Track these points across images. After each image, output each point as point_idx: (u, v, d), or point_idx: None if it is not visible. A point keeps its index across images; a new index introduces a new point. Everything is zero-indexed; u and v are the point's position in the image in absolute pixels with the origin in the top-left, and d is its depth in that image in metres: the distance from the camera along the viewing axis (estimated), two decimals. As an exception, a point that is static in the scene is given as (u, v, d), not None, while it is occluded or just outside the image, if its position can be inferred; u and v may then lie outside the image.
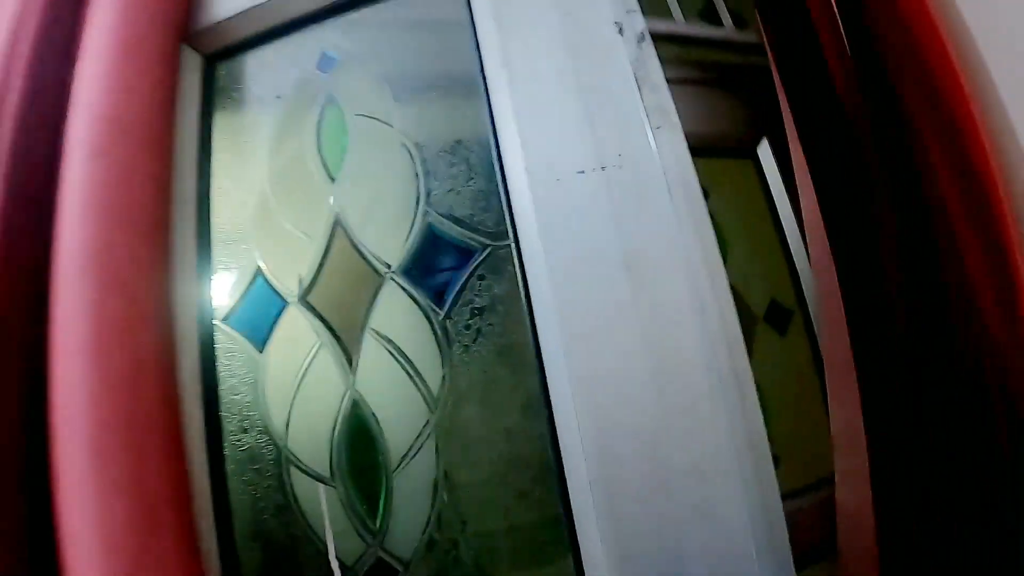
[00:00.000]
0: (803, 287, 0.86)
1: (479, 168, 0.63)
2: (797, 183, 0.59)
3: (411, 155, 0.66)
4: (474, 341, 0.61)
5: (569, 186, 0.56)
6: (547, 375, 0.56)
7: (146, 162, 0.62)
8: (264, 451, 0.65)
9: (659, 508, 0.51)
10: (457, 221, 0.63)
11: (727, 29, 0.91)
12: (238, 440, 0.65)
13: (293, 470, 0.64)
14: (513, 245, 0.60)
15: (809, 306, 0.84)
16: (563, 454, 0.55)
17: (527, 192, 0.57)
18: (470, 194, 0.63)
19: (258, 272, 0.68)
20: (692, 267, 0.55)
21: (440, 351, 0.62)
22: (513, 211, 0.59)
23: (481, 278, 0.62)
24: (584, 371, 0.54)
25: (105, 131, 0.60)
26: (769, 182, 0.88)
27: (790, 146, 0.60)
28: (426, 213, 0.64)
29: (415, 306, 0.63)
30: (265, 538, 0.64)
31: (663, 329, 0.53)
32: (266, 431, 0.65)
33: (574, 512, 0.54)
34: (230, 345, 0.67)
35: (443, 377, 0.61)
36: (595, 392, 0.53)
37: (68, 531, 0.52)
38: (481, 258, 0.62)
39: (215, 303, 0.68)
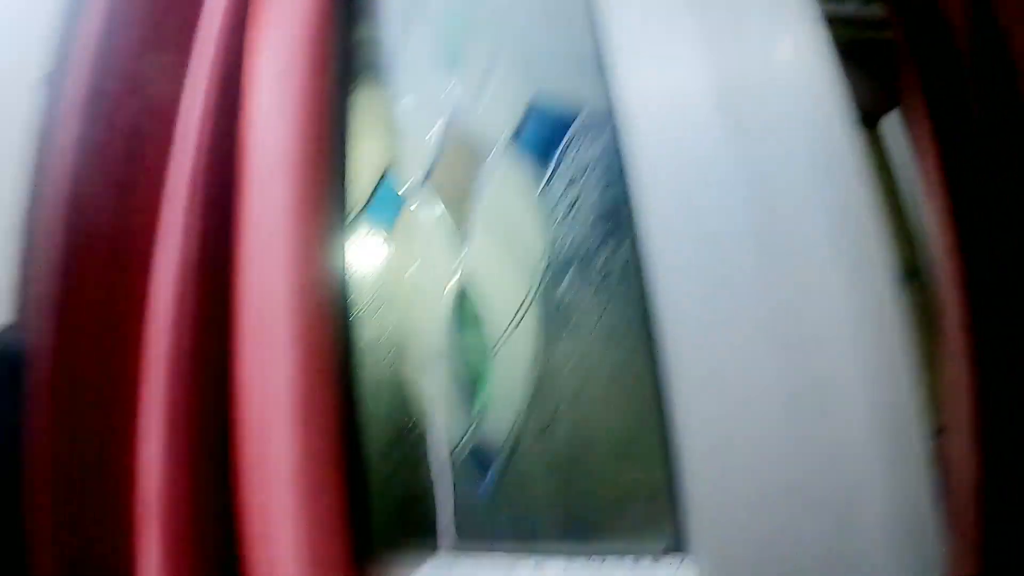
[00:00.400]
0: (921, 251, 0.85)
1: (580, 32, 0.62)
2: (917, 153, 0.62)
3: (519, 33, 0.67)
4: (573, 206, 0.59)
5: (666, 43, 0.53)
6: (644, 235, 0.52)
7: (324, 77, 0.70)
8: (384, 338, 0.68)
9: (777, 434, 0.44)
10: (558, 87, 0.63)
11: (854, 6, 0.92)
12: (361, 328, 0.69)
13: (407, 354, 0.67)
14: (609, 103, 0.57)
15: (926, 270, 0.84)
16: (661, 324, 0.50)
17: (624, 42, 0.55)
18: (571, 61, 0.62)
19: (384, 166, 0.72)
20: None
21: (541, 221, 0.61)
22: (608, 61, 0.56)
23: (580, 140, 0.60)
24: (685, 233, 0.49)
25: (289, 51, 0.69)
26: (891, 152, 0.87)
27: (913, 117, 0.62)
28: (531, 85, 0.64)
29: (519, 177, 0.63)
30: (381, 424, 0.67)
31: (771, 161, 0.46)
32: (386, 319, 0.68)
33: (673, 399, 0.49)
34: (361, 240, 0.72)
35: (543, 247, 0.60)
36: (698, 254, 0.48)
37: (249, 389, 0.62)
38: (581, 121, 0.61)
39: (348, 201, 0.72)
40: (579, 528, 0.56)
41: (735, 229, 0.48)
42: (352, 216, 0.73)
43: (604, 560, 0.53)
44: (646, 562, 0.51)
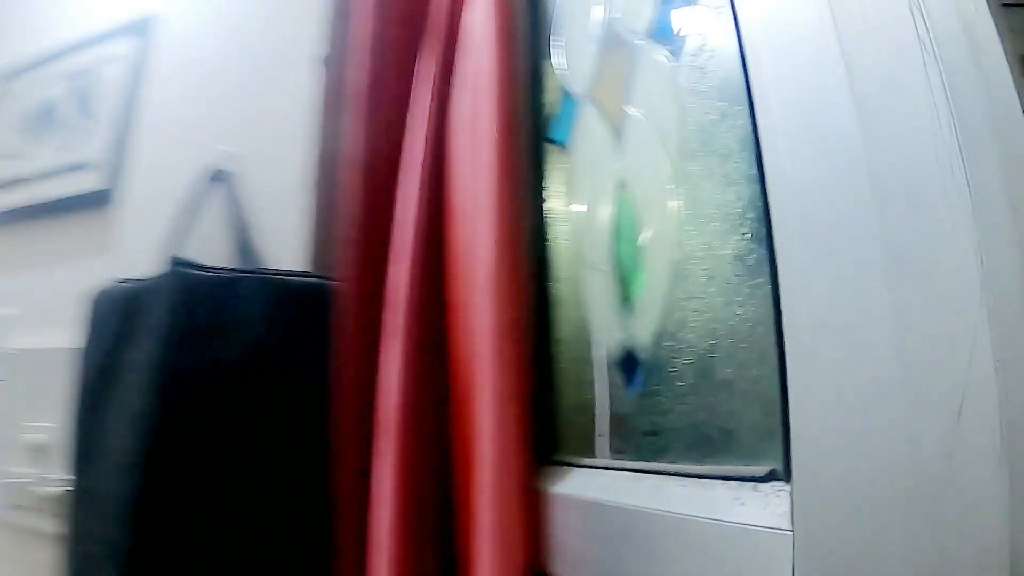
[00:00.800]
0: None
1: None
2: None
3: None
4: (698, 81, 0.52)
5: None
6: (757, 108, 0.43)
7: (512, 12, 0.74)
8: (565, 249, 0.69)
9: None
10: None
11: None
12: (550, 236, 0.71)
13: (581, 263, 0.66)
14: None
15: None
16: (771, 199, 0.41)
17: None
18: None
19: (562, 79, 0.72)
20: None
21: (675, 108, 0.54)
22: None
23: (696, 20, 0.53)
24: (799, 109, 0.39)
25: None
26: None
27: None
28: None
29: (656, 64, 0.57)
30: (558, 334, 0.68)
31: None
32: (568, 226, 0.69)
33: (785, 290, 0.39)
34: (550, 157, 0.73)
35: (678, 133, 0.53)
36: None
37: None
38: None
39: (543, 124, 0.75)
40: (699, 445, 0.48)
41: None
42: (541, 130, 0.75)
43: (712, 484, 0.43)
44: (746, 488, 0.40)
